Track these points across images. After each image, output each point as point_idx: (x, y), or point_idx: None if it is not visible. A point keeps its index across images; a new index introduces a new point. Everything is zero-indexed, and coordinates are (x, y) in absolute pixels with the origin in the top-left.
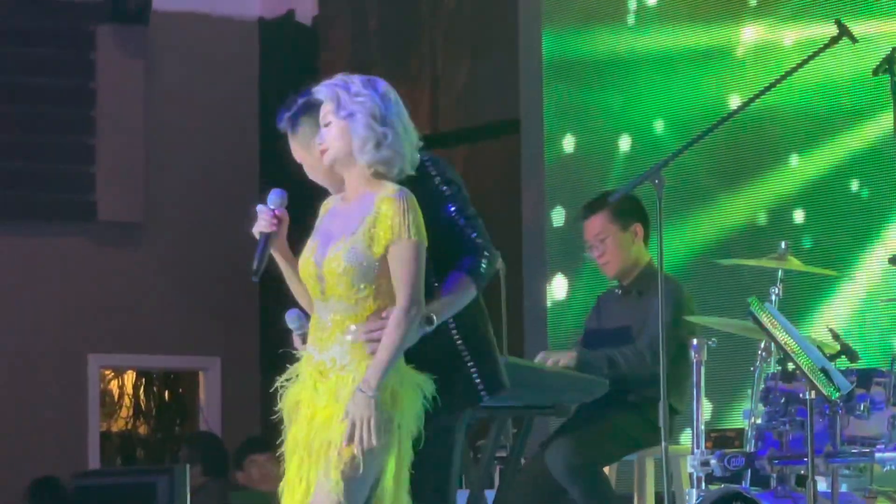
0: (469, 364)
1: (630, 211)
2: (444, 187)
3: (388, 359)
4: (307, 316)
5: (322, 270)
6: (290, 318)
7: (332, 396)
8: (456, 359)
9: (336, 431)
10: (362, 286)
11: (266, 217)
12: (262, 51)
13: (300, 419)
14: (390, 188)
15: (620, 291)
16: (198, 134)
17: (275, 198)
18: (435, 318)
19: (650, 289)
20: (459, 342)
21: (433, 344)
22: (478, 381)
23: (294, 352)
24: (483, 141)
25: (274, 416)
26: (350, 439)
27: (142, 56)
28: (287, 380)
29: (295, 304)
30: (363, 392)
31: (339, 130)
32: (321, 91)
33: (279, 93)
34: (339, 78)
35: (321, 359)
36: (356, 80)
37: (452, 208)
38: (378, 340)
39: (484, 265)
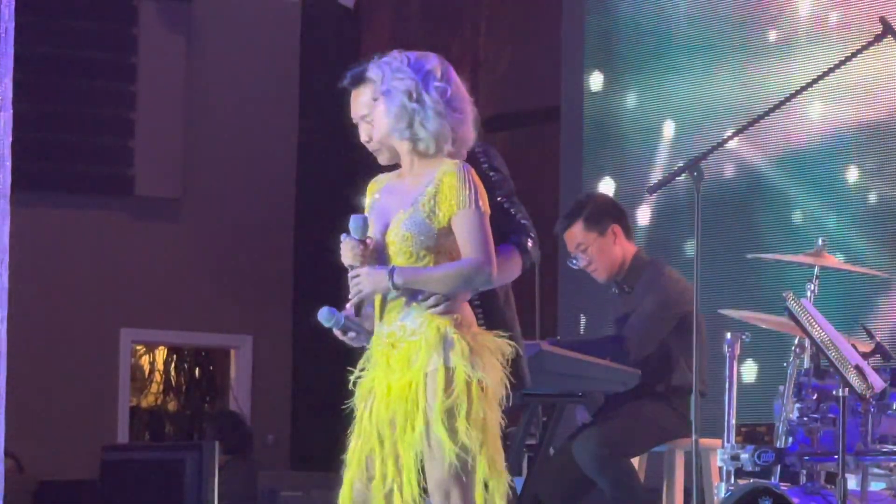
0: None
1: (603, 213)
2: (492, 174)
3: (437, 276)
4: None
5: (382, 243)
6: (324, 317)
7: (406, 363)
8: None
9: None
10: (422, 253)
11: (358, 251)
12: (304, 30)
13: (377, 398)
14: (451, 162)
15: (617, 291)
16: (237, 111)
17: (357, 226)
18: None
19: (637, 282)
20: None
21: None
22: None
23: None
24: (522, 128)
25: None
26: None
27: (184, 32)
28: (362, 369)
29: (327, 301)
30: (387, 272)
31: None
32: (372, 69)
33: (320, 72)
34: (391, 55)
35: (391, 330)
36: (404, 58)
37: (499, 193)
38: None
39: (530, 244)
